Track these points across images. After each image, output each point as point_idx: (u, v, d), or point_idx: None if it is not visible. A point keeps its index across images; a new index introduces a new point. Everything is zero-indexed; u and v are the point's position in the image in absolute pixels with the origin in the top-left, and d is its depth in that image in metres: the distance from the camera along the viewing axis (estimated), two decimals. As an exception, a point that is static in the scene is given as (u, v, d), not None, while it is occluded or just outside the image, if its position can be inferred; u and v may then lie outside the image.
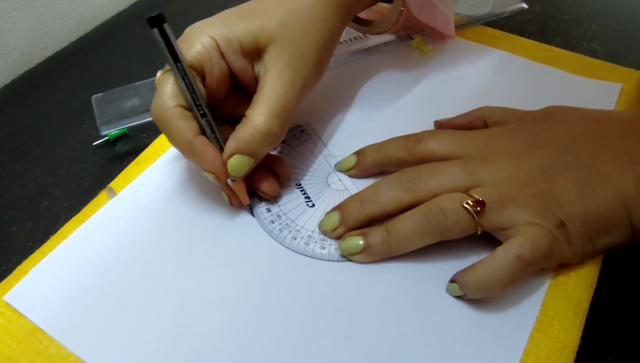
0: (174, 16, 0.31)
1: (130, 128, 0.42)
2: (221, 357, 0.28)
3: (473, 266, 0.29)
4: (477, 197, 0.29)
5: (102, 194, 0.36)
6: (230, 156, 0.31)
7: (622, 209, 0.29)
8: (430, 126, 0.38)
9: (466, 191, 0.30)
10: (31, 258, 0.33)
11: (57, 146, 0.42)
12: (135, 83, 0.42)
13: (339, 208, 0.33)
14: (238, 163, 0.31)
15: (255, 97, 0.32)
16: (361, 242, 0.31)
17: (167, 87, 0.31)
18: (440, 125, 0.37)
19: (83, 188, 0.39)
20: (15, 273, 0.32)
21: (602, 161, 0.30)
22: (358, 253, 0.31)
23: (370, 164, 0.35)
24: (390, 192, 0.31)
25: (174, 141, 0.31)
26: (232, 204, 0.34)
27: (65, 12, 0.50)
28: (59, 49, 0.51)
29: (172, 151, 0.38)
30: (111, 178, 0.39)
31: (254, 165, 0.32)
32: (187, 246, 0.33)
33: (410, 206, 0.31)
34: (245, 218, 0.34)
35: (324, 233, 0.33)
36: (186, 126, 0.30)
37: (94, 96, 0.41)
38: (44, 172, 0.40)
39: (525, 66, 0.43)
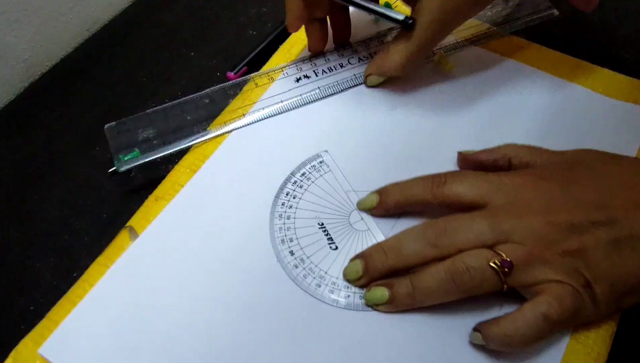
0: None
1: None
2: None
3: (498, 320, 0.30)
4: (504, 257, 0.29)
5: (123, 234, 0.36)
6: (368, 75, 0.41)
7: None
8: (453, 153, 0.37)
9: (493, 247, 0.30)
10: (59, 305, 0.33)
11: (72, 174, 0.42)
12: (148, 111, 0.41)
13: (362, 256, 0.33)
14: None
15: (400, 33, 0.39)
16: (387, 293, 0.31)
17: None
18: (463, 158, 0.37)
19: (102, 219, 0.39)
20: (44, 321, 0.33)
21: (636, 221, 0.29)
22: (383, 304, 0.32)
23: (393, 205, 0.35)
24: (414, 246, 0.31)
25: None
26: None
27: (67, 18, 0.48)
28: (63, 56, 0.49)
29: (191, 185, 0.38)
30: (129, 209, 0.38)
31: None
32: (211, 294, 0.33)
33: (436, 259, 0.31)
34: (269, 262, 0.34)
35: (348, 281, 0.33)
36: None
37: (107, 126, 0.40)
38: (61, 202, 0.40)
39: (553, 85, 0.41)
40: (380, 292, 0.32)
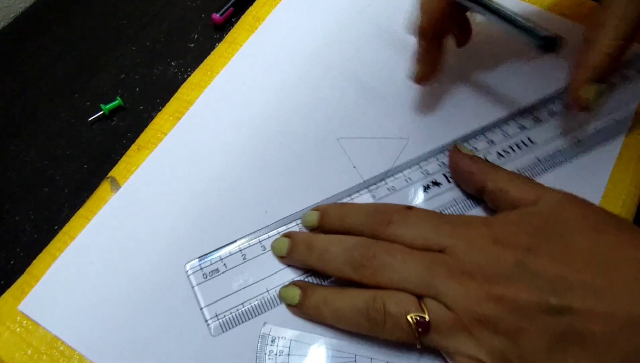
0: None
1: (125, 100, 0.39)
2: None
3: None
4: (425, 315, 0.26)
5: (105, 186, 0.34)
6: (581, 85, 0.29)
7: None
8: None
9: (421, 297, 0.26)
10: (39, 259, 0.32)
11: (50, 123, 0.39)
12: (241, 245, 0.32)
13: (290, 238, 0.31)
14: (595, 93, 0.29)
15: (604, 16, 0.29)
16: (297, 298, 0.29)
17: None
18: (452, 152, 0.32)
19: (83, 171, 0.37)
20: (24, 277, 0.32)
21: (593, 319, 0.24)
22: (292, 306, 0.30)
23: (331, 230, 0.31)
24: (338, 260, 0.28)
25: None
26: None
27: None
28: (36, -2, 0.46)
29: (174, 133, 0.36)
30: (111, 159, 0.37)
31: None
32: (194, 246, 0.32)
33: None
34: (257, 212, 0.33)
35: (273, 252, 0.31)
36: None
37: (192, 273, 0.31)
38: (39, 153, 0.38)
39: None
40: (293, 293, 0.29)
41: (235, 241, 0.32)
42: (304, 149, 0.35)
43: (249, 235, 0.32)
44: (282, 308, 0.30)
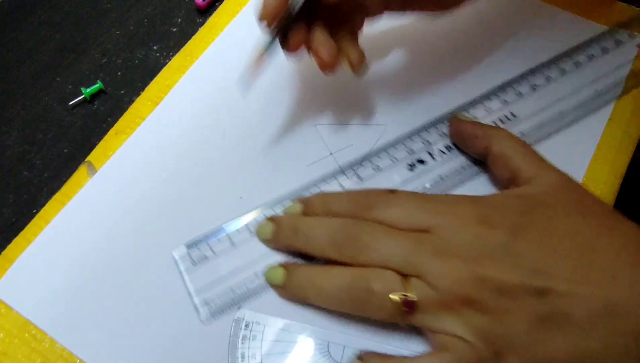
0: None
1: (107, 84, 0.39)
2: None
3: (389, 359, 0.27)
4: (410, 296, 0.25)
5: (82, 170, 0.34)
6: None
7: None
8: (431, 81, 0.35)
9: (405, 277, 0.26)
10: (14, 243, 0.32)
11: (31, 106, 0.39)
12: (227, 229, 0.31)
13: (275, 223, 0.30)
14: None
15: None
16: (281, 278, 0.29)
17: None
18: (454, 121, 0.32)
19: (63, 155, 0.37)
20: (-1, 260, 0.32)
21: (574, 302, 0.24)
22: (277, 287, 0.29)
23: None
24: (322, 242, 0.28)
25: None
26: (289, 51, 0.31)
27: (22, -64, 0.44)
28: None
29: (152, 118, 0.36)
30: (90, 143, 0.37)
31: None
32: (168, 231, 0.32)
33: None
34: (232, 196, 0.32)
35: (257, 236, 0.31)
36: None
37: (178, 255, 0.31)
38: (21, 137, 0.38)
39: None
40: (277, 274, 0.29)
41: (222, 227, 0.31)
42: (282, 134, 0.34)
43: (236, 219, 0.31)
44: (263, 294, 0.29)
